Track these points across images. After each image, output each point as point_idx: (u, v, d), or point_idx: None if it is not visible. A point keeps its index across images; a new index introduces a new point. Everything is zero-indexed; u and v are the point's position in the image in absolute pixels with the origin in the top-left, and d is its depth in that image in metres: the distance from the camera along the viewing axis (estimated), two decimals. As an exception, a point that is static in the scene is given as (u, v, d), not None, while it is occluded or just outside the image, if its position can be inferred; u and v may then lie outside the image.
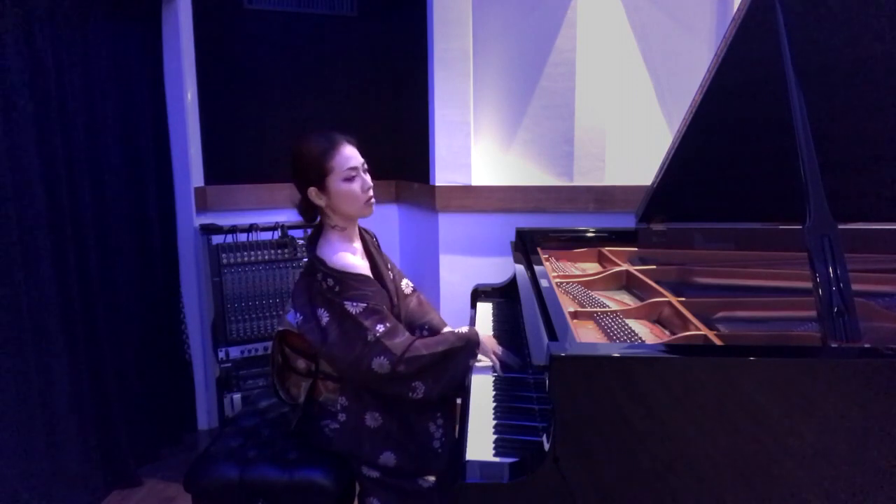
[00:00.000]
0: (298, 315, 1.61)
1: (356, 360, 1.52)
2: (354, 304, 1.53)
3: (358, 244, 1.70)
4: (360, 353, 1.52)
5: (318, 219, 1.67)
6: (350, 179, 1.56)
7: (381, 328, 1.53)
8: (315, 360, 1.66)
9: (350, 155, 1.58)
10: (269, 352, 1.73)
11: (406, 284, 1.88)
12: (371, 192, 1.61)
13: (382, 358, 1.51)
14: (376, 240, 1.82)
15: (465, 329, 1.70)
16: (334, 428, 1.62)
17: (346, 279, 1.54)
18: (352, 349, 1.53)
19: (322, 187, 1.57)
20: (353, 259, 1.59)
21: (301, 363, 1.70)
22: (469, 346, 1.60)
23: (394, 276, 1.80)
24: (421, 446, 1.60)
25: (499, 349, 1.67)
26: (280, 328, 1.69)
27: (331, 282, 1.54)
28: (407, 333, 1.60)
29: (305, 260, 1.69)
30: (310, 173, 1.57)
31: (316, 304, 1.57)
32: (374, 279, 1.62)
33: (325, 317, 1.56)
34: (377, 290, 1.59)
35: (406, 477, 1.59)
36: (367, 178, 1.61)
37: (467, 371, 1.59)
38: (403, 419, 1.60)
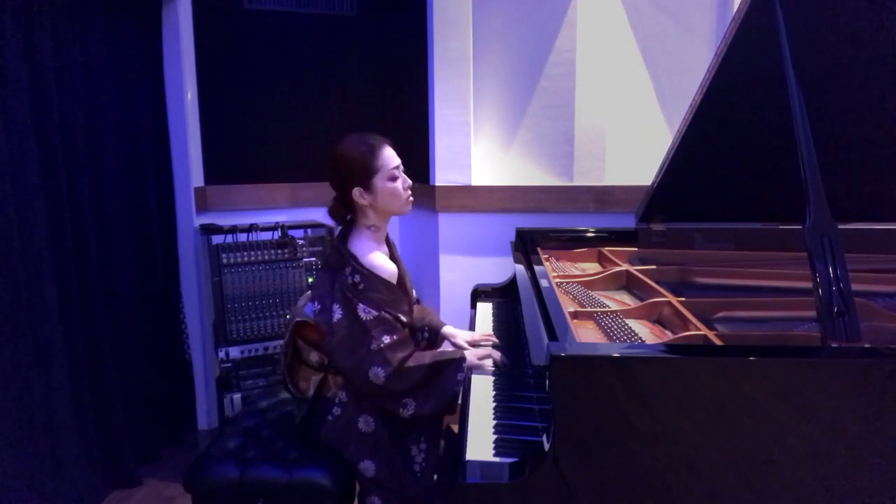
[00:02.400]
0: (317, 304, 1.62)
1: (356, 365, 1.55)
2: (367, 309, 1.55)
3: (385, 249, 1.71)
4: (362, 358, 1.54)
5: (349, 217, 1.68)
6: (394, 179, 1.61)
7: (387, 339, 1.54)
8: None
9: (391, 155, 1.62)
10: (283, 343, 1.72)
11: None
12: (410, 191, 1.65)
13: (379, 368, 1.53)
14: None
15: (450, 349, 1.75)
16: (329, 419, 1.63)
17: (374, 280, 1.57)
18: (355, 353, 1.55)
19: (368, 187, 1.59)
20: (385, 261, 1.61)
21: (314, 356, 1.70)
22: (456, 360, 1.60)
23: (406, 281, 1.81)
24: (402, 465, 1.60)
25: (484, 352, 1.68)
26: (297, 319, 1.68)
27: (358, 278, 1.56)
28: (412, 347, 1.61)
29: (330, 253, 1.69)
30: (355, 174, 1.59)
31: (334, 299, 1.59)
32: (398, 287, 1.63)
33: (337, 313, 1.57)
34: (398, 298, 1.62)
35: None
36: (406, 177, 1.65)
37: (457, 385, 1.58)
38: (393, 433, 1.61)
